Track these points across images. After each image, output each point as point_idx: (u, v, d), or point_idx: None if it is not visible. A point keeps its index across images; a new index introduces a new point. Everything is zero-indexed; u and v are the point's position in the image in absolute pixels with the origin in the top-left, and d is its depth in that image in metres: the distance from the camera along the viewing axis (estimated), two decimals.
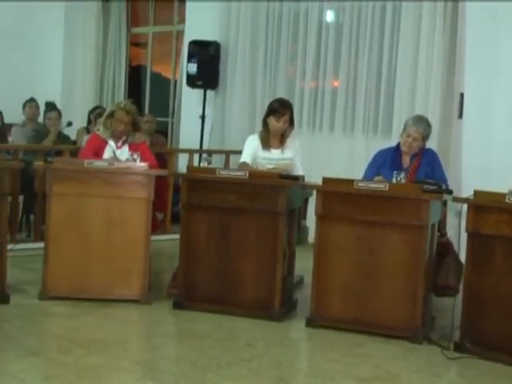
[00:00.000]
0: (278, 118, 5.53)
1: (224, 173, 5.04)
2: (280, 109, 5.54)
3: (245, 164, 5.55)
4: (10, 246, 5.16)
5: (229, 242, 4.99)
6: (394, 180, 4.77)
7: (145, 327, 4.91)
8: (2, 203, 4.93)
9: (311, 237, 5.39)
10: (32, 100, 8.24)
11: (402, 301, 4.61)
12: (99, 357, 4.01)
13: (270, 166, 5.51)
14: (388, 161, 5.37)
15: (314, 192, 5.09)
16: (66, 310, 4.90)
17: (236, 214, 4.97)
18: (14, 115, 8.36)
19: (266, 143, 5.61)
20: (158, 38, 11.60)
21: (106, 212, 5.10)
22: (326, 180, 4.82)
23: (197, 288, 5.06)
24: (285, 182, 4.95)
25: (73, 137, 8.19)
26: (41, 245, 5.41)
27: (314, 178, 5.34)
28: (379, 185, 4.71)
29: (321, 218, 4.80)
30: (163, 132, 10.09)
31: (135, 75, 11.97)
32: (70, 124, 6.69)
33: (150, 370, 3.97)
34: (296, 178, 5.14)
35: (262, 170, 5.41)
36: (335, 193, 4.76)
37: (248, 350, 4.32)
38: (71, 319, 4.74)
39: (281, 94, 8.02)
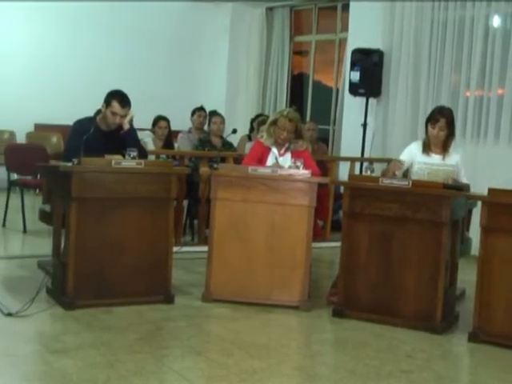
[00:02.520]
0: (433, 124, 5.44)
1: (386, 182, 4.99)
2: (436, 115, 5.46)
3: (396, 159, 5.52)
4: (175, 249, 5.31)
5: (390, 252, 4.94)
6: None
7: (304, 334, 4.94)
8: (169, 207, 5.10)
9: (474, 249, 5.25)
10: (201, 109, 8.48)
11: None
12: (260, 360, 4.07)
13: (429, 171, 5.42)
14: None
15: (479, 203, 4.95)
16: (227, 313, 5.02)
17: (398, 224, 4.91)
18: (181, 122, 8.65)
19: (426, 148, 5.53)
20: (319, 46, 11.66)
21: (268, 218, 5.17)
22: (491, 191, 4.68)
23: (357, 297, 5.03)
24: (449, 192, 4.84)
25: (235, 144, 8.37)
26: (204, 248, 5.57)
27: (478, 188, 5.21)
28: None
29: (486, 229, 4.67)
30: (324, 140, 10.13)
31: (297, 83, 12.09)
32: (234, 131, 6.83)
33: (309, 377, 3.99)
34: (460, 188, 5.02)
35: (425, 180, 5.31)
36: (502, 204, 4.61)
37: (408, 361, 4.25)
38: (233, 322, 4.84)
39: (444, 102, 7.85)
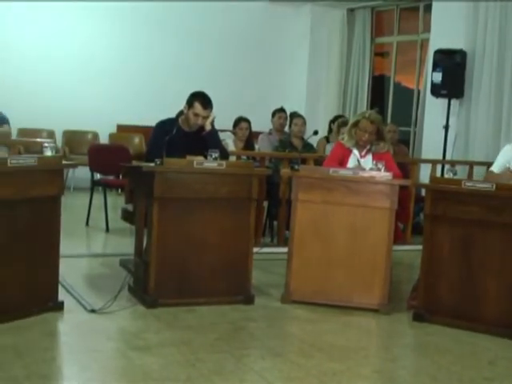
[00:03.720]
0: None
1: (469, 184, 4.90)
2: None
3: (490, 173, 5.38)
4: (255, 250, 5.33)
5: (472, 256, 4.84)
6: None
7: (384, 337, 4.89)
8: (250, 208, 5.12)
9: None
10: (282, 110, 8.48)
11: None
12: (340, 363, 4.05)
13: None
14: None
15: None
16: (307, 315, 5.01)
17: (481, 227, 4.81)
18: (262, 124, 8.69)
19: None
20: (400, 47, 11.56)
21: (349, 220, 5.14)
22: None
23: (438, 301, 4.95)
24: None
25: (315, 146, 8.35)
26: (284, 250, 5.57)
27: None
28: None
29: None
30: (405, 141, 10.03)
31: (378, 85, 12.00)
32: (316, 133, 6.84)
33: (389, 380, 3.96)
34: None
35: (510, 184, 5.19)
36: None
37: (490, 368, 4.16)
38: (312, 324, 4.83)
39: None
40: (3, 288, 4.34)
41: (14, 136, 7.48)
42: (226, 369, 3.84)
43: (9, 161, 4.36)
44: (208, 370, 3.79)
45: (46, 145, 4.69)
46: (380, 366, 4.21)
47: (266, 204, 7.61)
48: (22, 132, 10.04)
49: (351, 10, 11.86)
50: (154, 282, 4.88)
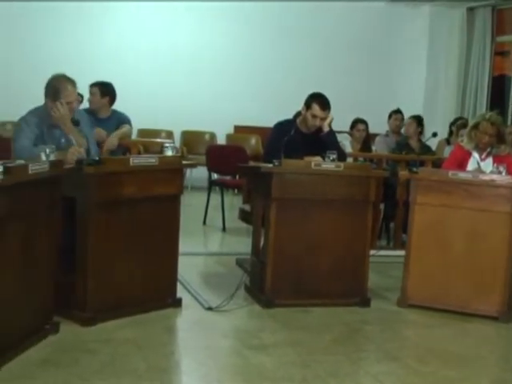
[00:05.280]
0: None
1: None
2: None
3: None
4: (371, 252, 5.30)
5: None
6: None
7: (503, 346, 4.75)
8: (367, 210, 5.09)
9: None
10: (398, 111, 8.39)
11: None
12: (456, 371, 3.97)
13: None
14: None
15: None
16: (423, 319, 4.94)
17: None
18: (378, 125, 8.63)
19: None
20: None
21: (468, 224, 5.03)
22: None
23: None
24: None
25: (434, 148, 8.21)
26: (401, 253, 5.51)
27: None
28: None
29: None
30: None
31: (498, 85, 11.69)
32: (435, 135, 6.73)
33: None
34: None
35: None
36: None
37: None
38: (429, 329, 4.76)
39: None
40: (126, 283, 4.48)
41: (134, 136, 7.68)
42: (341, 371, 3.83)
43: (131, 160, 4.50)
44: (323, 372, 3.79)
45: (167, 145, 4.81)
46: (499, 375, 4.10)
47: (382, 206, 7.54)
48: (142, 132, 10.29)
49: (471, 9, 11.58)
50: (271, 282, 4.92)
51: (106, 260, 4.36)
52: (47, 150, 4.02)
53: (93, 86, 6.42)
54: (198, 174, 8.90)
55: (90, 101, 6.45)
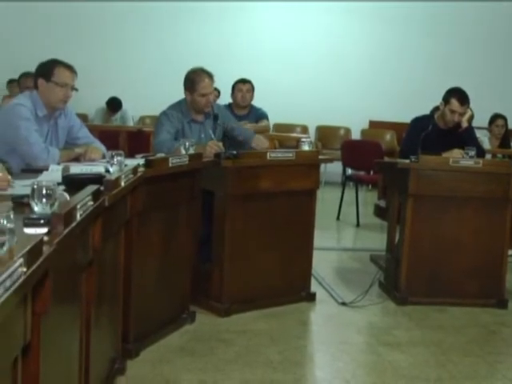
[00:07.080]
0: None
1: None
2: None
3: None
4: (510, 252, 5.14)
5: None
6: None
7: None
8: (506, 209, 4.91)
9: None
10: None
11: None
12: None
13: None
14: None
15: None
16: None
17: None
18: None
19: None
20: None
21: None
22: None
23: None
24: None
25: None
26: None
27: None
28: None
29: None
30: None
31: None
32: None
33: None
34: None
35: None
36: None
37: None
38: None
39: None
40: (261, 275, 4.54)
41: (270, 131, 7.76)
42: (478, 374, 3.74)
43: (268, 154, 4.55)
44: (459, 373, 3.72)
45: (304, 140, 4.84)
46: None
47: None
48: (278, 127, 10.38)
49: None
50: (405, 279, 4.87)
51: (242, 252, 4.44)
52: (187, 144, 4.14)
53: (246, 82, 6.49)
54: (332, 168, 8.89)
55: (236, 97, 6.47)
